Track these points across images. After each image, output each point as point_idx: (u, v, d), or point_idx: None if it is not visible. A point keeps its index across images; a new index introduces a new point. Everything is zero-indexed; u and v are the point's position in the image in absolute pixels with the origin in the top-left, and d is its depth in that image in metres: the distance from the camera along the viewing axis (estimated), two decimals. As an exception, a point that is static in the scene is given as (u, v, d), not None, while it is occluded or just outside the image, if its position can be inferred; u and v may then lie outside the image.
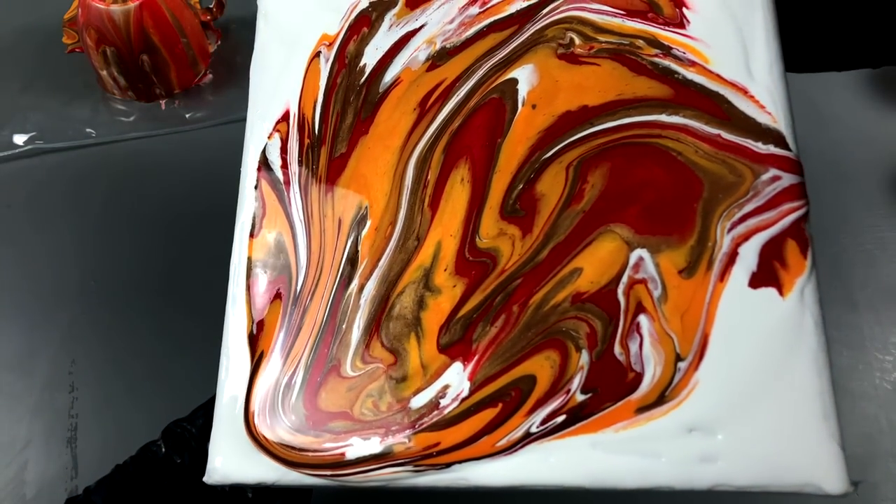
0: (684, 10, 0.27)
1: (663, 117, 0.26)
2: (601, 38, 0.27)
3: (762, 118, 0.25)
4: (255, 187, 0.29)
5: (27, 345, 0.38)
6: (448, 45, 0.29)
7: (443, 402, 0.25)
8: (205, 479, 0.25)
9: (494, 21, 0.28)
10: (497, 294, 0.25)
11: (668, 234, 0.24)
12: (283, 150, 0.29)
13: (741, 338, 0.23)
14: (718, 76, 0.26)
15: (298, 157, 0.29)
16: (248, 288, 0.27)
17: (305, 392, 0.26)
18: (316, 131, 0.29)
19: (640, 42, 0.27)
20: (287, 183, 0.29)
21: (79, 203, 0.45)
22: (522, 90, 0.27)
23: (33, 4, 0.58)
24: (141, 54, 0.47)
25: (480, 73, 0.28)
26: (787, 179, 0.24)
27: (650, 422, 0.23)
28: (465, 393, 0.25)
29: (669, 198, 0.25)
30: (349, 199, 0.28)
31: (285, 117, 0.30)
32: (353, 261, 0.27)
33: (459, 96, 0.28)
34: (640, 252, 0.24)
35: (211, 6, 0.53)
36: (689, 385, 0.23)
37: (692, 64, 0.26)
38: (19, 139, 0.48)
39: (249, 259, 0.28)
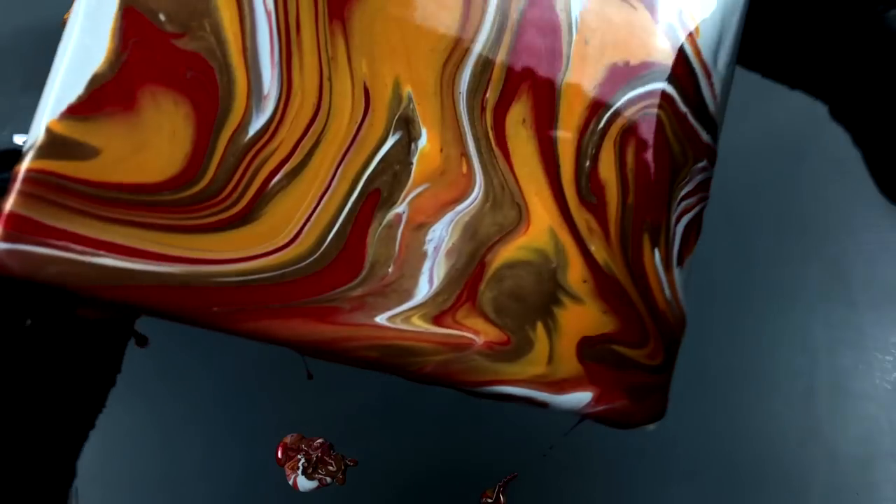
0: None
1: (665, 86, 0.25)
2: None
3: (712, 107, 0.26)
4: None
5: (27, 345, 0.38)
6: None
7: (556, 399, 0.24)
8: None
9: None
10: (662, 353, 0.26)
11: (659, 220, 0.25)
12: None
13: None
14: (699, 52, 0.25)
15: None
16: (124, 17, 0.19)
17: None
18: None
19: None
20: None
21: (79, 203, 0.44)
22: (575, 8, 0.23)
23: (33, 4, 0.58)
24: (141, 54, 0.47)
25: None
26: (709, 172, 0.26)
27: None
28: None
29: (662, 180, 0.25)
30: (379, 60, 0.21)
31: None
32: (396, 173, 0.22)
33: None
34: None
35: (211, 6, 0.53)
36: None
37: (689, 33, 0.25)
38: (19, 139, 0.48)
39: None
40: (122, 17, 0.20)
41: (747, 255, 0.44)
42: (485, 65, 0.22)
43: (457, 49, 0.22)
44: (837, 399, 0.38)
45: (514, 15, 0.23)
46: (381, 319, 0.22)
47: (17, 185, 0.18)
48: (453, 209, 0.22)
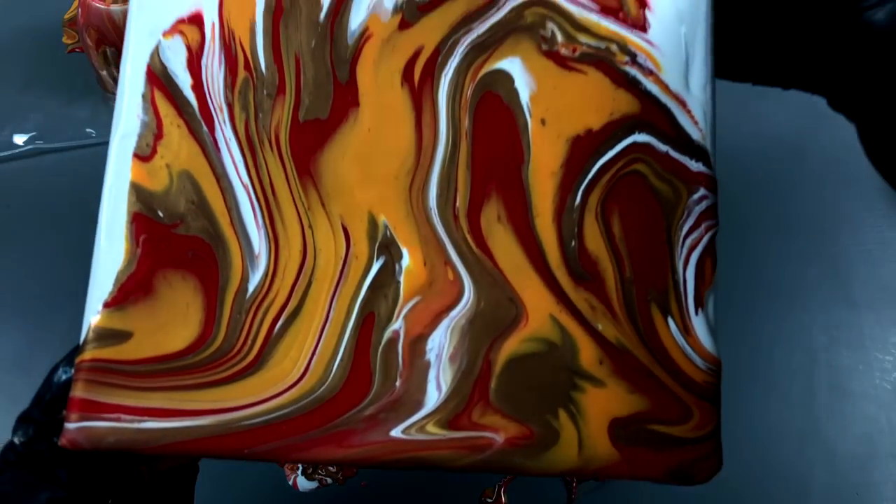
0: (646, 10, 0.25)
1: (636, 137, 0.25)
2: (581, 37, 0.25)
3: (695, 134, 0.25)
4: (145, 98, 0.24)
5: (27, 345, 0.38)
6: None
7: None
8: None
9: None
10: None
11: (664, 283, 0.24)
12: (194, 63, 0.24)
13: None
14: (667, 86, 0.25)
15: (226, 87, 0.24)
16: (133, 222, 0.23)
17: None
18: (263, 66, 0.24)
19: (614, 47, 0.25)
20: (207, 115, 0.24)
21: (79, 203, 0.44)
22: (523, 94, 0.24)
23: (33, 4, 0.58)
24: (141, 54, 0.47)
25: (461, 49, 0.24)
26: (710, 199, 0.25)
27: None
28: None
29: (657, 237, 0.25)
30: (351, 198, 0.24)
31: (195, 21, 0.24)
32: (385, 294, 0.24)
33: (448, 76, 0.24)
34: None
35: (211, 6, 0.53)
36: None
37: (650, 73, 0.25)
38: (19, 139, 0.48)
39: (136, 185, 0.24)
40: (131, 221, 0.24)
41: (747, 255, 0.44)
42: (448, 177, 0.24)
43: (419, 170, 0.24)
44: (837, 399, 0.38)
45: (465, 123, 0.24)
46: (396, 433, 0.23)
47: (78, 375, 0.22)
48: (448, 316, 0.23)
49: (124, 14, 0.46)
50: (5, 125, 0.49)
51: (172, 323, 0.23)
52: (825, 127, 0.54)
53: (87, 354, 0.23)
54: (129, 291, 0.23)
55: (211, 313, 0.23)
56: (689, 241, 0.24)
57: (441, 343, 0.23)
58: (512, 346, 0.23)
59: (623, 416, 0.23)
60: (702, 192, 0.24)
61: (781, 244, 0.45)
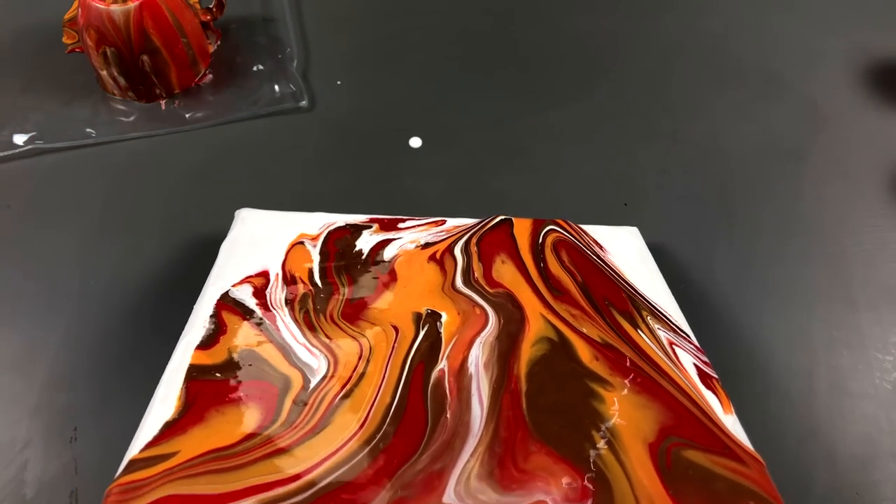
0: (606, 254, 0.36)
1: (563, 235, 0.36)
2: None
3: (659, 314, 0.32)
4: (212, 316, 0.29)
5: (27, 345, 0.38)
6: (430, 241, 0.35)
7: None
8: None
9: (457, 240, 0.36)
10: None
11: (623, 305, 0.32)
12: (258, 294, 0.30)
13: None
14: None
15: (287, 298, 0.30)
16: (188, 386, 0.26)
17: None
18: (319, 284, 0.31)
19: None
20: (269, 315, 0.29)
21: (79, 203, 0.45)
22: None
23: (33, 4, 0.58)
24: (141, 54, 0.47)
25: (466, 237, 0.35)
26: (702, 357, 0.30)
27: None
28: None
29: (594, 265, 0.34)
30: (395, 312, 0.29)
31: (262, 275, 0.32)
32: (431, 344, 0.28)
33: (461, 244, 0.34)
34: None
35: (211, 6, 0.53)
36: None
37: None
38: (19, 139, 0.48)
39: (195, 365, 0.27)
40: (186, 386, 0.26)
41: (748, 256, 0.44)
42: (468, 271, 0.33)
43: (446, 280, 0.32)
44: (837, 399, 0.38)
45: (474, 250, 0.34)
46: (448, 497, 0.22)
47: (107, 501, 0.21)
48: (480, 336, 0.29)
49: (124, 14, 0.46)
50: (5, 125, 0.49)
51: (223, 430, 0.23)
52: (825, 127, 0.54)
53: (120, 480, 0.22)
54: (176, 429, 0.24)
55: (269, 413, 0.24)
56: (663, 335, 0.30)
57: (477, 354, 0.27)
58: (526, 352, 0.28)
59: (654, 438, 0.24)
60: (692, 346, 0.30)
61: (781, 244, 0.45)
